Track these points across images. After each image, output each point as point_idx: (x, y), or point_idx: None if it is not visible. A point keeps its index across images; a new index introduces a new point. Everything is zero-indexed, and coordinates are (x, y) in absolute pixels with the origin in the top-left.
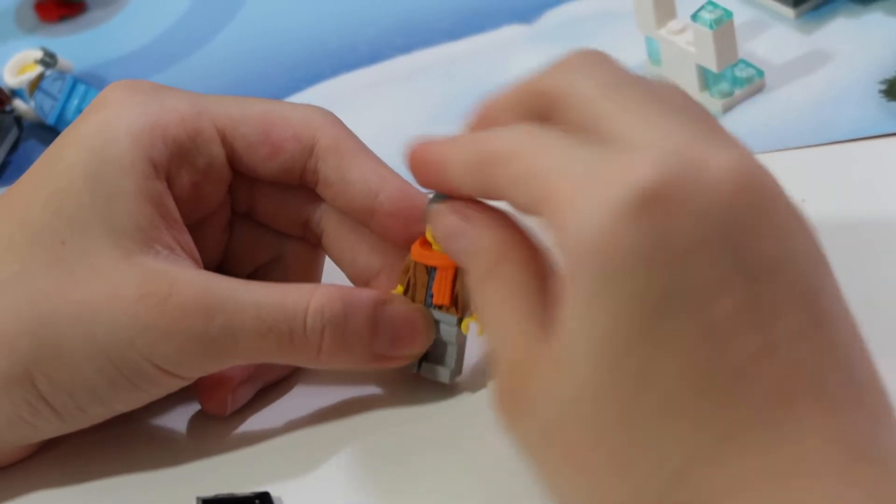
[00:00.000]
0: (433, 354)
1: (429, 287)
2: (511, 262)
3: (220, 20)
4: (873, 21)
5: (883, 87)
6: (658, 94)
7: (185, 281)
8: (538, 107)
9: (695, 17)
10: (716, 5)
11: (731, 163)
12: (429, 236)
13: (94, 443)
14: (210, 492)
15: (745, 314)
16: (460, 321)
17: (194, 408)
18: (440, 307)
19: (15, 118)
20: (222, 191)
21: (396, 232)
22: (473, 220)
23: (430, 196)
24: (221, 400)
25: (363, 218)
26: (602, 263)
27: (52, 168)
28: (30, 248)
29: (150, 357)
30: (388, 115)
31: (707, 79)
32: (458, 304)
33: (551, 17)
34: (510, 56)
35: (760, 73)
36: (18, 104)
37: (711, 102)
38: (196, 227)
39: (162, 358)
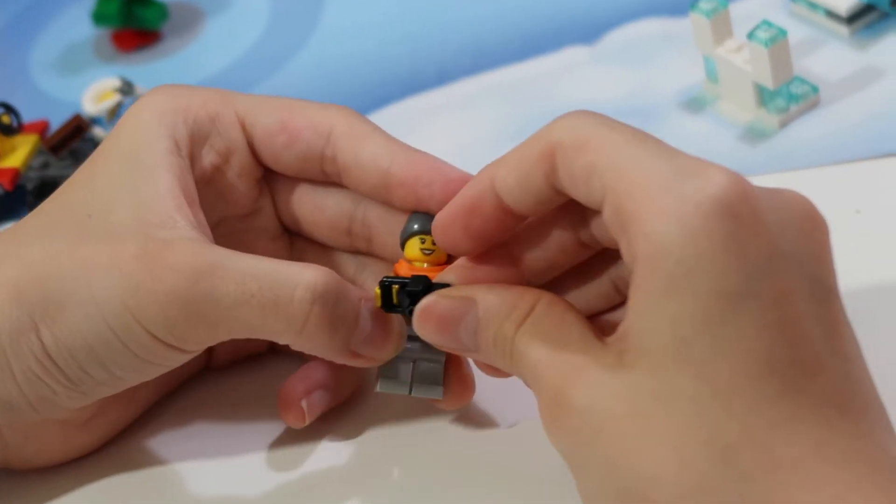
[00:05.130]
0: (391, 370)
1: None
2: (545, 301)
3: (291, 47)
4: None
5: None
6: None
7: (181, 246)
8: None
9: (751, 36)
10: (771, 24)
11: (799, 195)
12: (407, 254)
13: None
14: None
15: (814, 321)
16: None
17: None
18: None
19: (94, 145)
20: (250, 185)
21: (411, 202)
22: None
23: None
24: (296, 410)
25: (381, 196)
26: (688, 253)
27: (93, 155)
28: (60, 219)
29: (140, 319)
30: (454, 136)
31: (763, 96)
32: None
33: (611, 39)
34: (572, 76)
35: (815, 89)
36: (98, 132)
37: (768, 118)
38: (241, 233)
39: (149, 321)
